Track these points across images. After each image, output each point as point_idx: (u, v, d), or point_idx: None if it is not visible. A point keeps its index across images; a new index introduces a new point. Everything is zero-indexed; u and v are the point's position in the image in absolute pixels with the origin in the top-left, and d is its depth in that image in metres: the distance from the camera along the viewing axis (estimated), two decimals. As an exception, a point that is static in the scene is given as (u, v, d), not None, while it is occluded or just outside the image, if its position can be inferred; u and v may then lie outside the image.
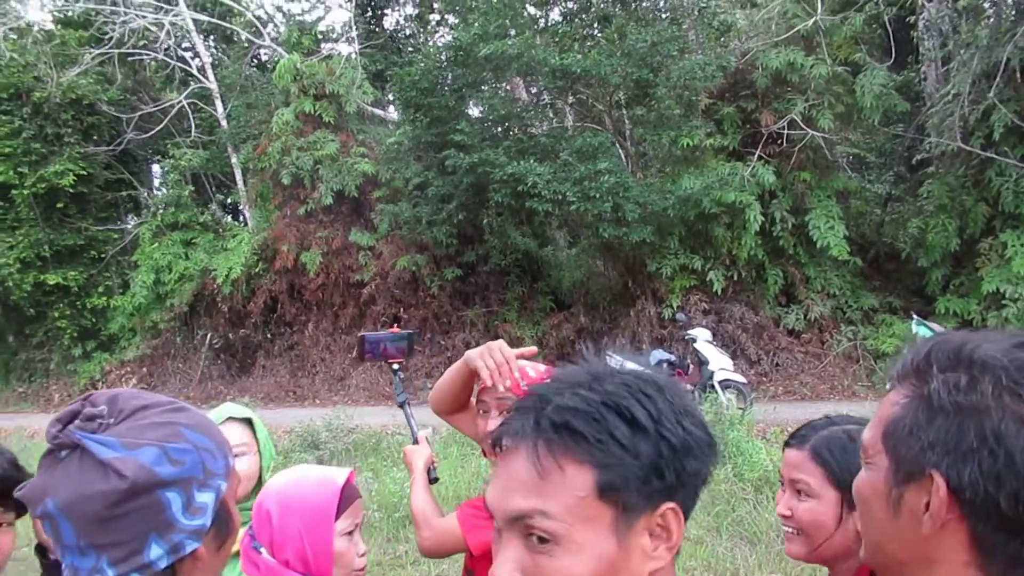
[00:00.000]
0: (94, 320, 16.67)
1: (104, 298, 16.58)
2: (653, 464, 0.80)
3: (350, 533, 1.51)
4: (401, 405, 2.23)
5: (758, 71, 11.50)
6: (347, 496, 1.51)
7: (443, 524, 1.90)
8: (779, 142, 11.61)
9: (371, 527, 5.97)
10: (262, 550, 1.47)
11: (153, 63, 17.58)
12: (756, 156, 11.55)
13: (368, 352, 2.23)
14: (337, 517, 1.48)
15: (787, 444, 1.60)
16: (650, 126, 12.05)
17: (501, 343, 1.78)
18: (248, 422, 1.97)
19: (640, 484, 0.79)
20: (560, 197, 10.78)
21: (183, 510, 0.94)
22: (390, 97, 16.34)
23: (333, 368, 14.05)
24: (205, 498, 0.96)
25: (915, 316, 8.30)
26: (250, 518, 1.54)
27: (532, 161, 11.10)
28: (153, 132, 16.64)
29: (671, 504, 0.81)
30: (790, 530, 1.53)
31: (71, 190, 15.91)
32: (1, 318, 17.49)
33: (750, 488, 6.05)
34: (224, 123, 16.45)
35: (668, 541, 0.82)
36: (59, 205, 16.25)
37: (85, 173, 16.12)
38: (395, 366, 2.24)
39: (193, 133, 16.59)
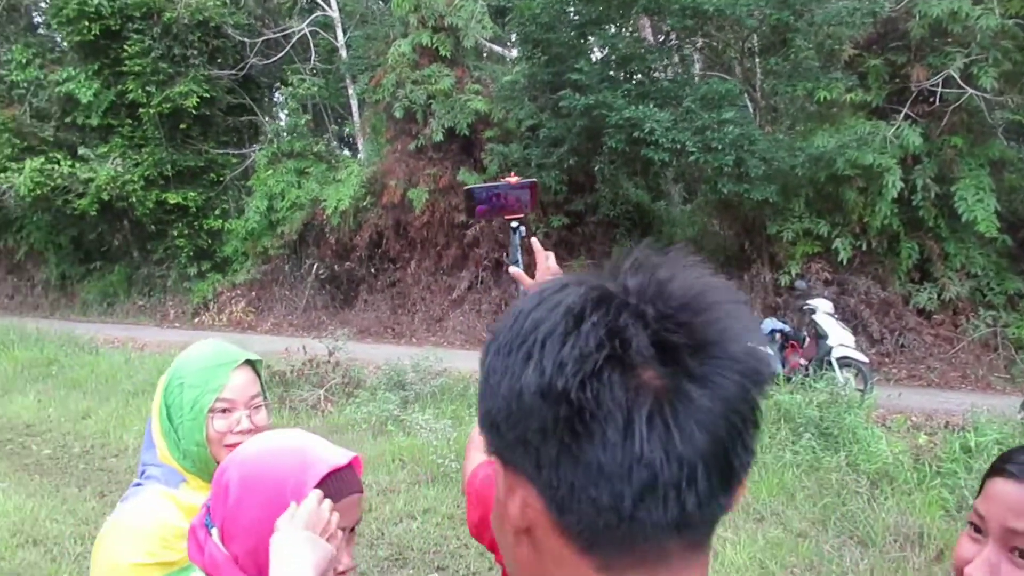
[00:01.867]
0: (210, 241, 17.17)
1: (220, 221, 17.04)
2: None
3: (328, 540, 1.09)
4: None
5: (914, 19, 10.31)
6: (332, 489, 1.11)
7: (471, 463, 1.44)
8: (930, 101, 10.47)
9: (447, 478, 5.73)
10: (213, 531, 1.10)
11: (279, -12, 17.65)
12: (902, 116, 10.46)
13: (483, 206, 1.71)
14: None
15: (998, 470, 1.03)
16: (784, 77, 11.10)
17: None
18: (253, 366, 1.63)
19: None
20: (679, 147, 10.09)
21: None
22: (513, 38, 15.82)
23: (432, 308, 13.94)
24: None
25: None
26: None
27: (652, 106, 10.43)
28: (275, 59, 16.78)
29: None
30: None
31: (194, 112, 16.28)
32: (128, 234, 18.29)
33: (865, 481, 5.44)
34: (343, 53, 16.38)
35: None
36: (182, 126, 16.68)
37: (208, 96, 16.44)
38: (514, 223, 1.73)
39: (312, 61, 16.60)
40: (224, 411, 1.51)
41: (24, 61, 17.16)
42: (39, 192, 16.01)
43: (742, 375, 0.57)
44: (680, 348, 0.56)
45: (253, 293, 16.33)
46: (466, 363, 9.72)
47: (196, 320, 16.29)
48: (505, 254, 13.24)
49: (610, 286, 0.60)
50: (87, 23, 15.78)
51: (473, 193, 1.70)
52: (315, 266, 15.67)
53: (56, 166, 16.20)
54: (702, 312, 0.58)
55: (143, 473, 1.53)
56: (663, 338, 0.56)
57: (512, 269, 1.68)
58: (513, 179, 1.72)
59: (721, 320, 0.58)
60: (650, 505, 0.55)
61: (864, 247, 10.70)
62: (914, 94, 10.52)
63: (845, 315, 10.19)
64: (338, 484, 1.13)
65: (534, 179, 1.75)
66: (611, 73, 11.96)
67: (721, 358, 0.57)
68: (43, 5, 19.44)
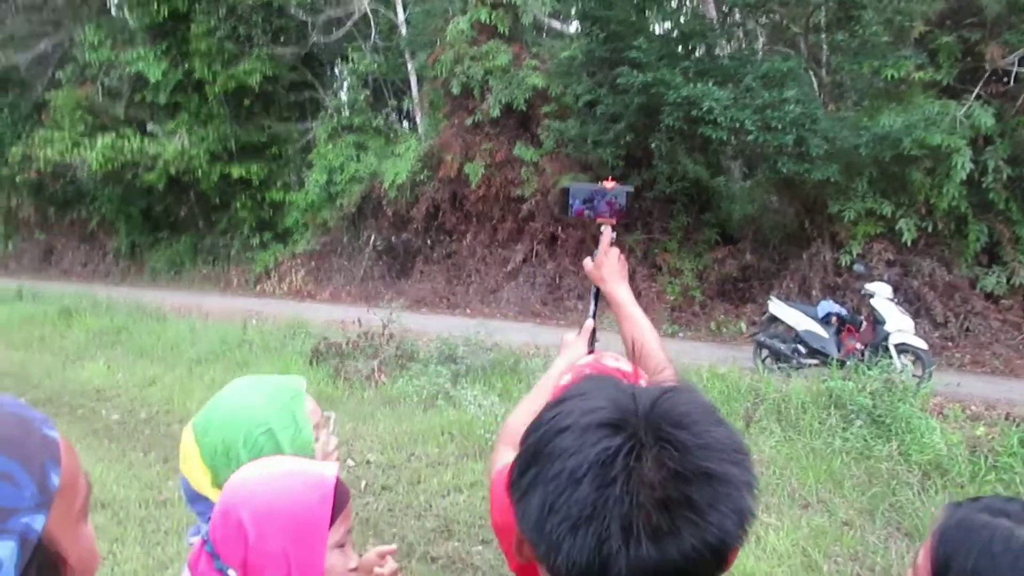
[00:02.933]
0: (271, 213, 17.62)
1: (281, 193, 17.44)
2: None
3: (342, 545, 1.18)
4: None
5: (991, -6, 9.92)
6: (340, 498, 1.18)
7: (499, 460, 1.43)
8: (1004, 81, 10.08)
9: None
10: (232, 572, 1.12)
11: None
12: (974, 95, 10.08)
13: (582, 206, 1.72)
14: (330, 526, 1.15)
15: None
16: (850, 54, 10.80)
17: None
18: None
19: None
20: (737, 125, 9.92)
21: None
22: (573, 11, 15.66)
23: (487, 280, 14.06)
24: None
25: None
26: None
27: (711, 84, 10.26)
28: (337, 36, 16.98)
29: None
30: None
31: (258, 89, 16.62)
32: (194, 205, 18.87)
33: (916, 471, 5.34)
34: (403, 29, 16.48)
35: None
36: (246, 103, 17.08)
37: (271, 74, 16.76)
38: (605, 228, 1.74)
39: (373, 38, 16.74)
40: (316, 440, 1.47)
41: (96, 42, 17.74)
42: (110, 167, 16.65)
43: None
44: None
45: (312, 263, 16.72)
46: (518, 336, 9.83)
47: (258, 288, 16.77)
48: (560, 222, 13.25)
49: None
50: (156, 5, 16.28)
51: (571, 192, 1.73)
52: (372, 237, 15.92)
53: (126, 142, 16.82)
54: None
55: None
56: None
57: (586, 262, 1.72)
58: (610, 184, 1.73)
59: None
60: None
61: (930, 228, 10.40)
62: (987, 73, 10.13)
63: (908, 297, 9.97)
64: (341, 492, 1.19)
65: (631, 186, 1.76)
66: (671, 49, 11.79)
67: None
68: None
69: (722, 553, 0.72)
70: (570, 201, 1.73)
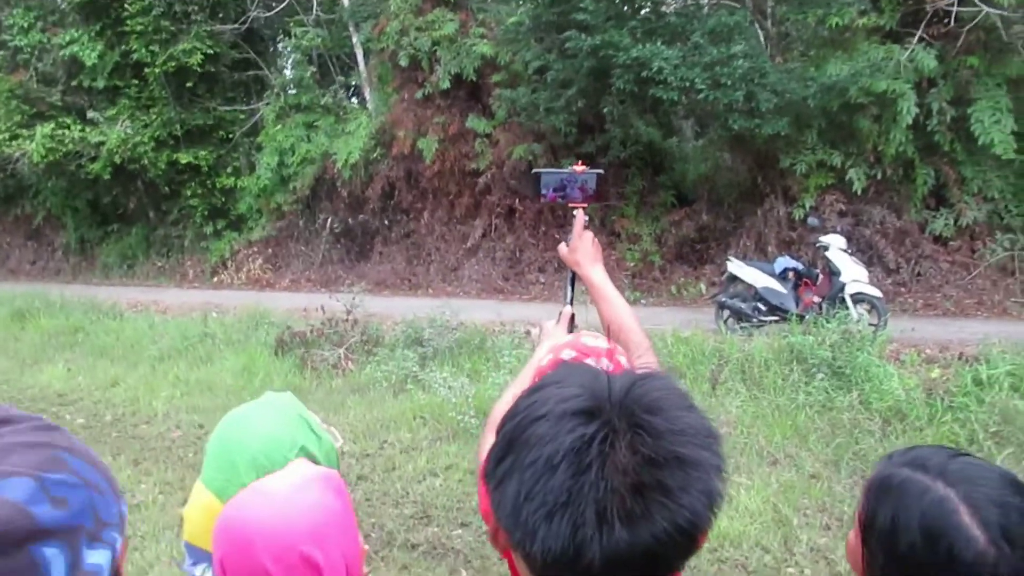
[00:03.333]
0: (224, 200, 17.24)
1: (232, 178, 17.06)
2: None
3: None
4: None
5: (928, -64, 10.00)
6: None
7: (484, 448, 1.48)
8: (945, 21, 10.19)
9: (467, 434, 5.87)
10: None
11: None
12: (916, 38, 10.20)
13: (554, 193, 1.75)
14: None
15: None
16: (795, 3, 10.85)
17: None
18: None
19: None
20: (687, 84, 9.95)
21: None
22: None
23: (447, 258, 14.00)
24: (99, 558, 0.64)
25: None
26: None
27: (659, 44, 10.24)
28: (277, 9, 16.54)
29: None
30: None
31: (199, 69, 16.15)
32: (143, 195, 18.39)
33: (877, 419, 5.51)
34: (345, 0, 16.12)
35: None
36: (189, 84, 16.59)
37: (212, 52, 16.29)
38: (576, 211, 1.76)
39: (315, 11, 16.35)
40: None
41: (26, 25, 17.05)
42: (52, 158, 16.14)
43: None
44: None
45: (269, 250, 16.47)
46: (481, 313, 9.84)
47: (215, 279, 16.49)
48: (517, 195, 13.21)
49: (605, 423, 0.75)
50: (86, -18, 15.65)
51: (541, 178, 1.75)
52: (329, 220, 15.72)
53: (66, 131, 16.29)
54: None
55: None
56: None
57: (560, 248, 1.74)
58: (580, 168, 1.75)
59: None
60: None
61: (879, 176, 10.59)
62: (929, 15, 10.24)
63: (860, 246, 10.16)
64: None
65: (601, 170, 1.78)
66: (618, 9, 11.69)
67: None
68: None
69: (692, 535, 0.75)
70: (542, 190, 1.76)
